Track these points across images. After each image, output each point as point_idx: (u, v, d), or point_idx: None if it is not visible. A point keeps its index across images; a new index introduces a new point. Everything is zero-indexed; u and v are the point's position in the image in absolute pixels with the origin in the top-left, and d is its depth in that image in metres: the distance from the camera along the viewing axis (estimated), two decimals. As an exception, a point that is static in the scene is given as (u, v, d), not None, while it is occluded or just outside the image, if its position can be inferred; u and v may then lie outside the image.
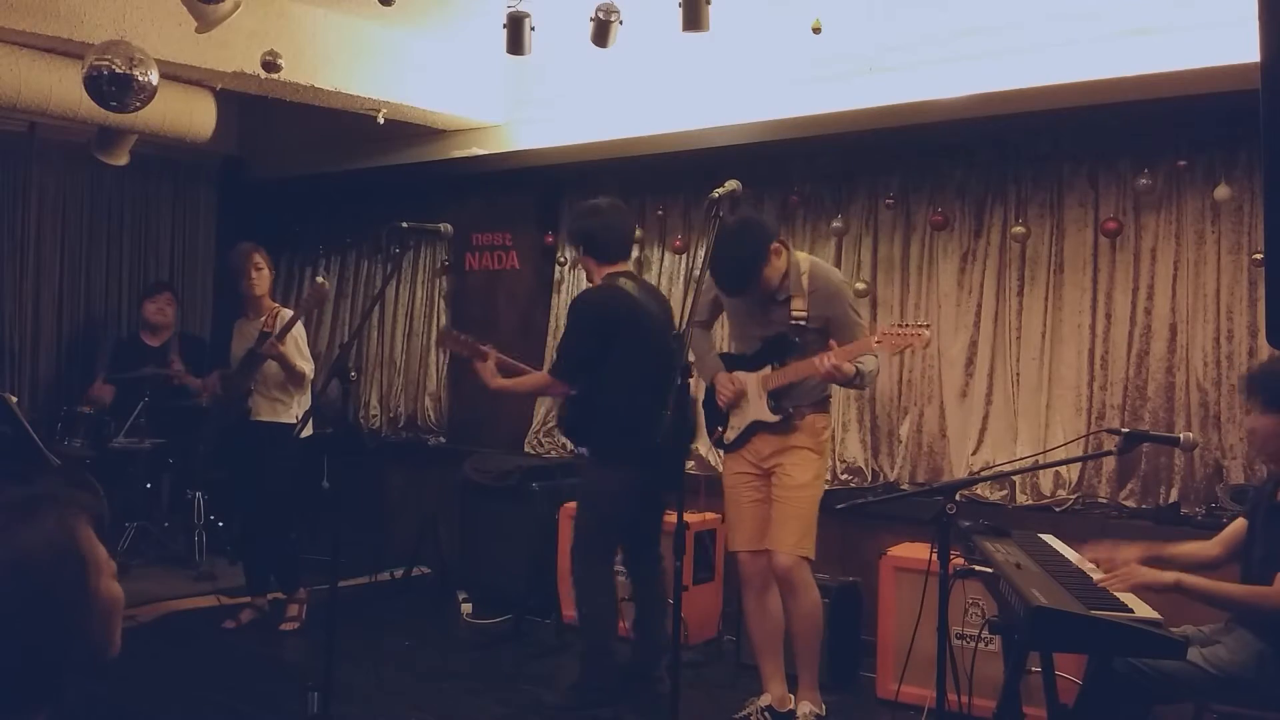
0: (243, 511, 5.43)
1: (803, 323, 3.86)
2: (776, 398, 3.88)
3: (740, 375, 3.97)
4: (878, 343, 3.65)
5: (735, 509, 4.04)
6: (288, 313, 5.18)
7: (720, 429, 4.06)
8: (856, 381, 3.83)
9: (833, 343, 3.80)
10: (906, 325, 3.70)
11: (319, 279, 6.26)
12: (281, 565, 5.21)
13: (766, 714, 3.95)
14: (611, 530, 4.25)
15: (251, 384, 5.08)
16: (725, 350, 4.33)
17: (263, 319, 5.13)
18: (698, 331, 4.16)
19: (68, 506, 1.38)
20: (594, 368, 4.11)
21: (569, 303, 4.35)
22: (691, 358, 4.00)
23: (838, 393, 5.09)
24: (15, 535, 1.33)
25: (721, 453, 4.14)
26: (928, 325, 3.66)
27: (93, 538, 1.39)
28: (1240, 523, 3.17)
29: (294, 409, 5.07)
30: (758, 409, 3.92)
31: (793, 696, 4.00)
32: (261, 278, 5.15)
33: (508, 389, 4.36)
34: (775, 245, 3.86)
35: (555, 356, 4.24)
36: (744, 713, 3.99)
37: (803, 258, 3.96)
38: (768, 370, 3.90)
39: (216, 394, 5.24)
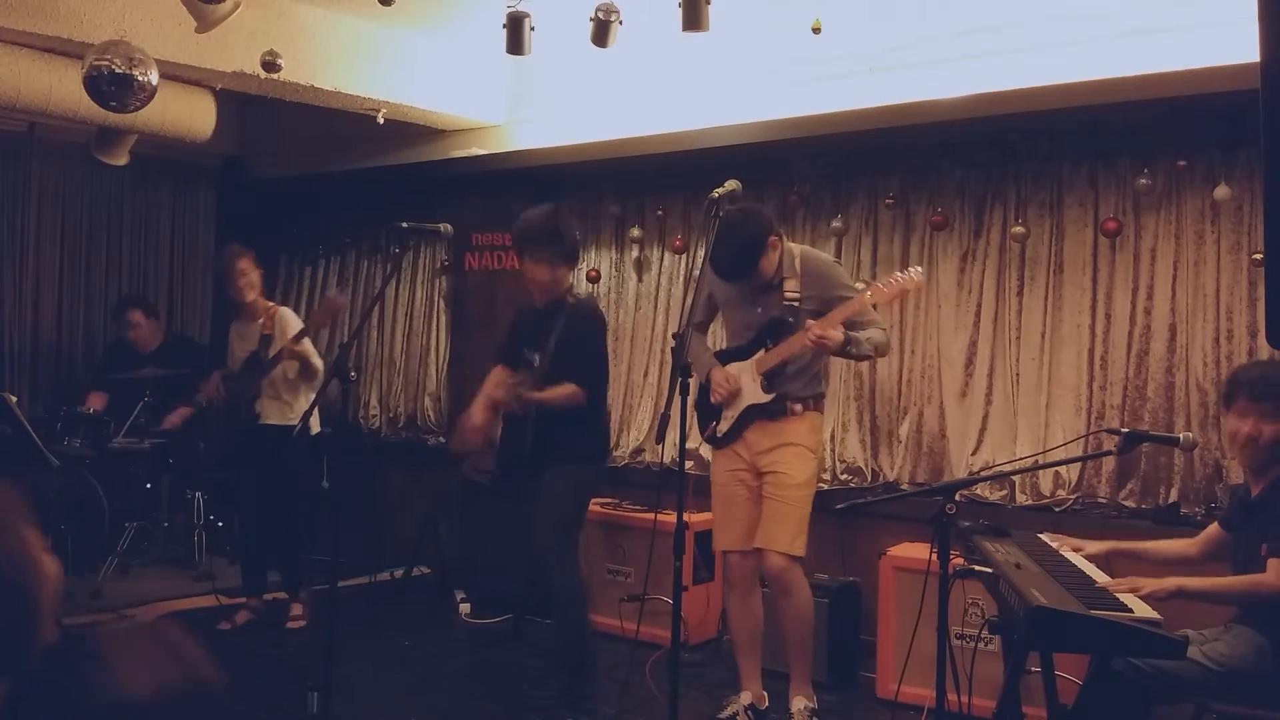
0: (245, 514, 5.41)
1: (796, 303, 3.86)
2: (770, 379, 3.89)
3: (734, 367, 3.97)
4: (871, 296, 3.64)
5: (726, 508, 4.00)
6: (285, 311, 5.21)
7: (714, 424, 4.04)
8: (851, 350, 3.80)
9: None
10: (896, 275, 3.76)
11: (330, 293, 5.90)
12: (289, 565, 5.23)
13: (749, 713, 3.96)
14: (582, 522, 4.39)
15: (259, 387, 5.07)
16: (721, 349, 4.33)
17: (260, 320, 5.13)
18: (695, 333, 4.17)
19: None
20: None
21: (576, 309, 4.29)
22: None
23: (837, 391, 5.12)
24: None
25: (713, 450, 4.12)
26: (919, 268, 3.64)
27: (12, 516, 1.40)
28: (1215, 527, 3.21)
29: (299, 411, 5.07)
30: (751, 393, 3.92)
31: (766, 694, 4.03)
32: (248, 282, 5.15)
33: (549, 401, 4.10)
34: (773, 239, 3.86)
35: (584, 370, 4.15)
36: (728, 712, 3.99)
37: (795, 247, 3.99)
38: (761, 353, 3.90)
39: (219, 396, 5.21)
